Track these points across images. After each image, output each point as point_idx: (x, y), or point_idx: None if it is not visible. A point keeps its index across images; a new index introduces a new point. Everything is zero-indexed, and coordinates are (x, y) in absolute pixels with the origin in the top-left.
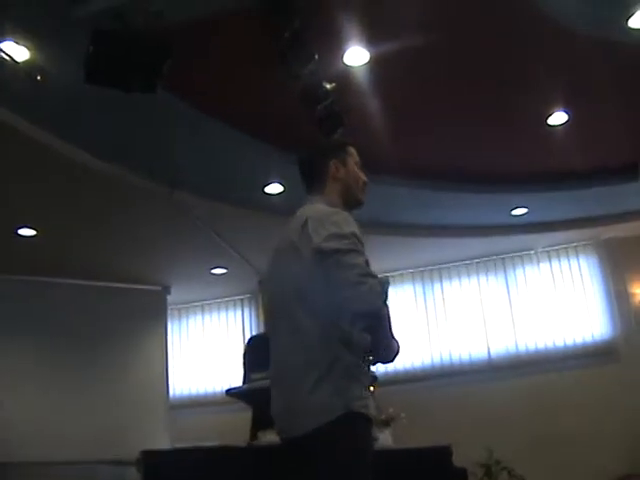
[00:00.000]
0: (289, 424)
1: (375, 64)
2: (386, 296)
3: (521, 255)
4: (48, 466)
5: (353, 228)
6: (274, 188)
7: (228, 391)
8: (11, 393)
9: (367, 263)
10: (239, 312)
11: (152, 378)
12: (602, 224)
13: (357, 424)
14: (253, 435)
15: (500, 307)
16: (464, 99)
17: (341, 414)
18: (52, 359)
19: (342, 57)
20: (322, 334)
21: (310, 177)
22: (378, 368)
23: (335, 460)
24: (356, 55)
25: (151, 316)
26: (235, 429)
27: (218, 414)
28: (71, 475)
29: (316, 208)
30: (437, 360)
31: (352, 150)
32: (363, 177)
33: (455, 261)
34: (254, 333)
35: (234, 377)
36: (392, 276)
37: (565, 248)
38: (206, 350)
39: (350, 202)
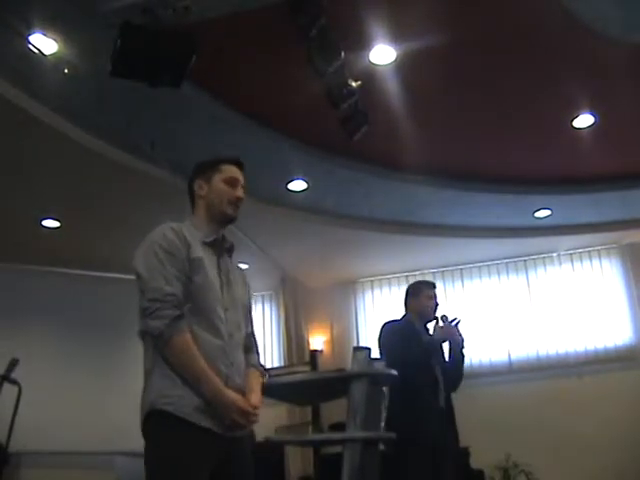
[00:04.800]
0: None
1: (402, 62)
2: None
3: (543, 257)
4: (66, 456)
5: (159, 247)
6: (298, 185)
7: None
8: (29, 383)
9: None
10: (260, 308)
11: None
12: (626, 228)
13: (162, 422)
14: None
15: (522, 309)
16: (490, 99)
17: (148, 411)
18: (70, 350)
19: (368, 55)
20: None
21: (189, 199)
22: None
23: (146, 458)
24: (382, 53)
25: None
26: None
27: None
28: (89, 465)
29: (158, 229)
30: None
31: (225, 167)
32: (233, 193)
33: (477, 262)
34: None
35: None
36: (413, 275)
37: (588, 251)
38: None
39: (216, 218)
